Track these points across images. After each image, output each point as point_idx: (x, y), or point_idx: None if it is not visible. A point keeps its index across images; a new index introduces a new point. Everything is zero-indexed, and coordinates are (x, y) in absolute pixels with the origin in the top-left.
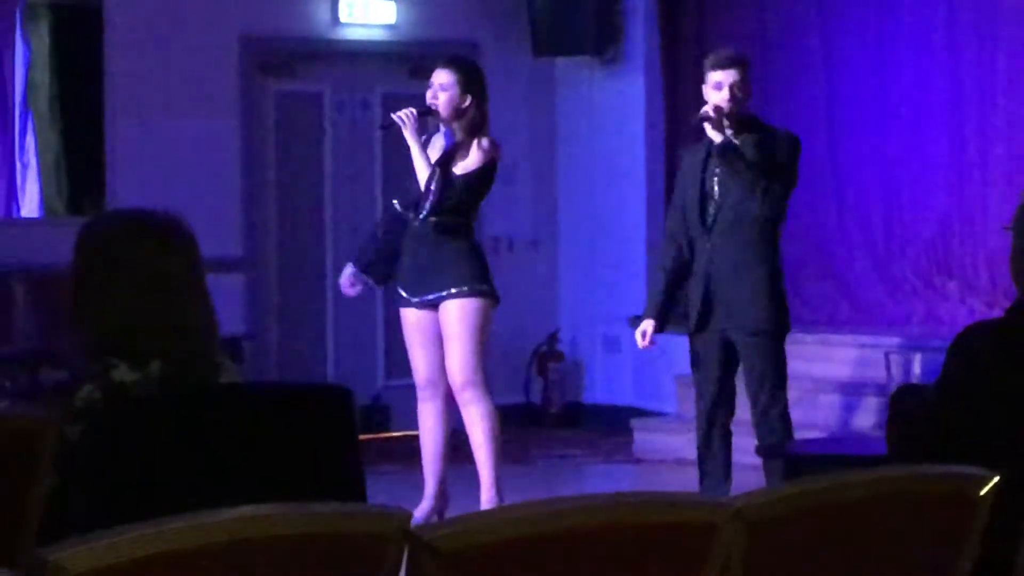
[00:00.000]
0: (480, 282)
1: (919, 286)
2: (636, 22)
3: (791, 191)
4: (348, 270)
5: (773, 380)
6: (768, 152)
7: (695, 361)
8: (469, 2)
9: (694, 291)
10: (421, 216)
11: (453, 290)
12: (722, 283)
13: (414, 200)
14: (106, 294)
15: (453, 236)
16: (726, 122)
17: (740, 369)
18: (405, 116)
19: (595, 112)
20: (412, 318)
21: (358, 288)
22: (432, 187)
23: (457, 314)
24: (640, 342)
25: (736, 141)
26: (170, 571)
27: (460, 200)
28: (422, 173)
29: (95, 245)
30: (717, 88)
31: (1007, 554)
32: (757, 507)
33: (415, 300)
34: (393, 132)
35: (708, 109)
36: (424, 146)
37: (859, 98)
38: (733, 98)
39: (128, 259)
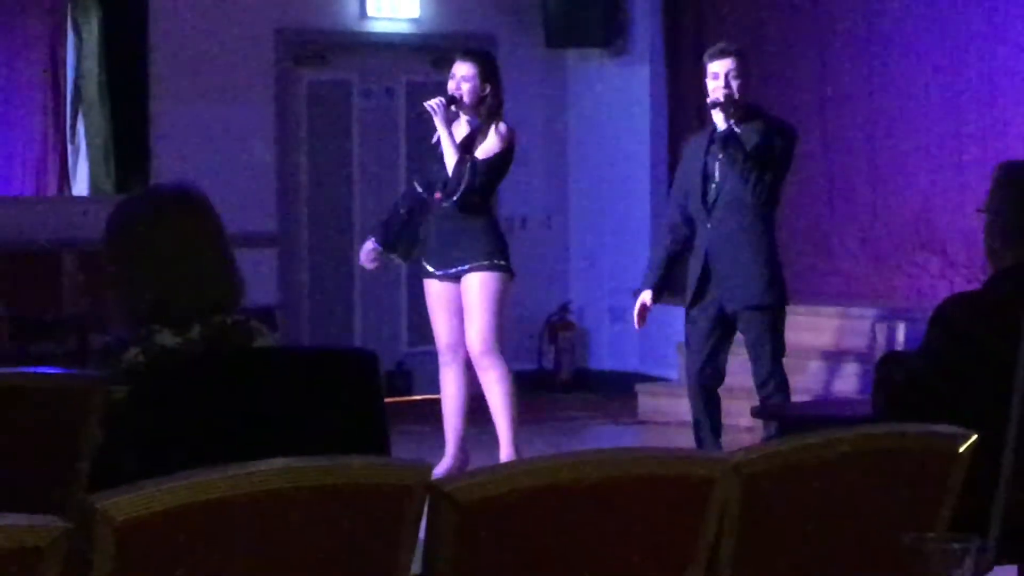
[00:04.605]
0: (499, 257)
1: (902, 262)
2: (641, 16)
3: (783, 179)
4: (369, 245)
5: (770, 351)
6: (766, 143)
7: (688, 333)
8: None
9: (693, 267)
10: (454, 199)
11: (474, 264)
12: (720, 261)
13: (434, 181)
14: (138, 268)
15: (475, 215)
16: (731, 109)
17: (741, 340)
18: (436, 105)
19: (603, 100)
20: (435, 289)
21: (377, 263)
22: (463, 172)
23: (478, 286)
24: (636, 312)
25: (738, 130)
26: (208, 518)
27: (483, 182)
28: (451, 158)
29: (120, 226)
30: (714, 78)
31: (983, 505)
32: (752, 462)
33: (439, 272)
34: (424, 119)
35: (718, 96)
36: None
37: (849, 87)
38: (728, 85)
39: (151, 233)
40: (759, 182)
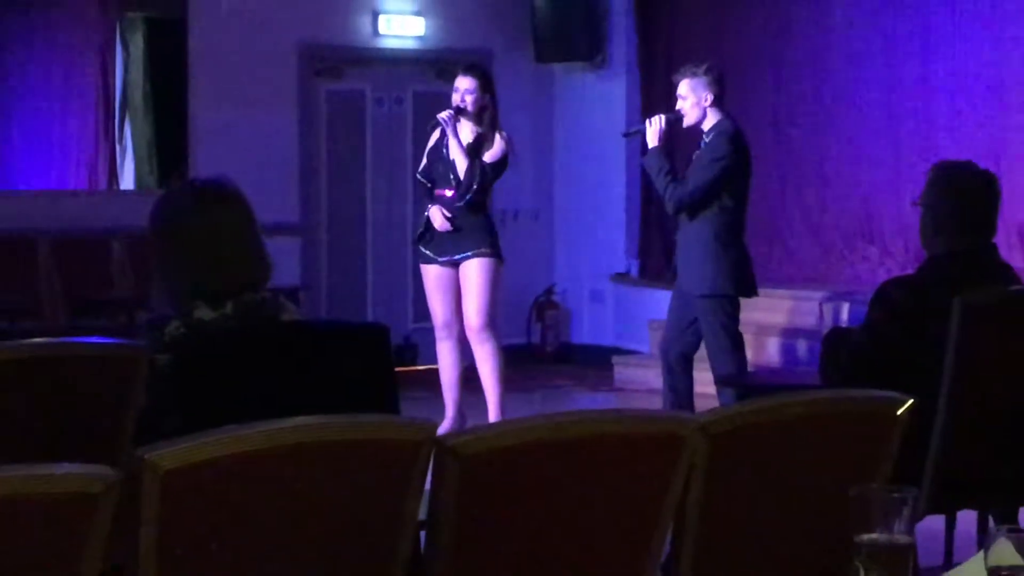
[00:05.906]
0: (495, 246)
1: (846, 250)
2: (619, 35)
3: (714, 186)
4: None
5: (710, 334)
6: (699, 156)
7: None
8: (484, 17)
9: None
10: (467, 198)
11: (475, 252)
12: (679, 251)
13: (439, 178)
14: (178, 253)
15: (477, 210)
16: (680, 123)
17: None
18: (446, 117)
19: (585, 107)
20: (435, 273)
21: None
22: (475, 174)
23: (478, 271)
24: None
25: (707, 139)
26: (241, 468)
27: (490, 182)
28: (461, 162)
29: (162, 216)
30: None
31: (918, 462)
32: (717, 422)
33: (442, 259)
34: (436, 128)
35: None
36: (444, 136)
37: (800, 97)
38: (681, 107)
39: (189, 222)
40: (665, 199)
